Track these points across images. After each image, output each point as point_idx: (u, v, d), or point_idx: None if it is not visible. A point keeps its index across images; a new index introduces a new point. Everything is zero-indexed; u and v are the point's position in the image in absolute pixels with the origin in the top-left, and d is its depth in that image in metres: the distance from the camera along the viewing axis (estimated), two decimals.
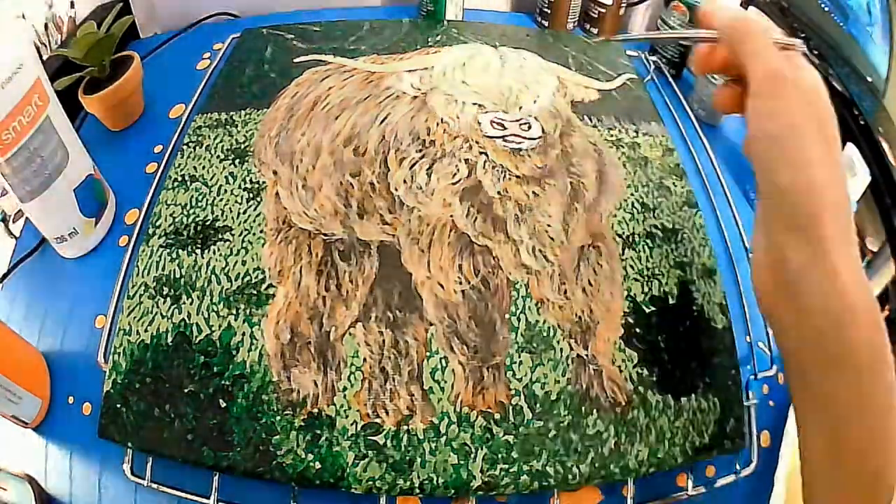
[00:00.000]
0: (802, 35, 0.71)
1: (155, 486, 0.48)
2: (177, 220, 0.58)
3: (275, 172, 0.61)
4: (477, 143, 0.60)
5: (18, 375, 0.50)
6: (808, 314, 0.36)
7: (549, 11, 0.85)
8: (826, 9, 0.71)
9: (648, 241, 0.59)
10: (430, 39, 0.77)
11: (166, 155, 0.65)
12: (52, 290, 0.57)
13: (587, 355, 0.52)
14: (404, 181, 0.59)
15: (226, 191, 0.60)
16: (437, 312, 0.53)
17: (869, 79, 0.65)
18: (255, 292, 0.54)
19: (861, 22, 0.66)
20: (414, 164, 0.59)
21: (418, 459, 0.47)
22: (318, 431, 0.48)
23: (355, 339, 0.52)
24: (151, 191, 0.62)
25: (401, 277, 0.55)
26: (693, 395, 0.51)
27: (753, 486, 0.52)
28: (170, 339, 0.51)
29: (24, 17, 0.67)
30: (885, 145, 0.60)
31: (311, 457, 0.47)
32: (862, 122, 0.62)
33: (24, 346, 0.53)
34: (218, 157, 0.63)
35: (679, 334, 0.54)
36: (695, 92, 0.76)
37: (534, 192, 0.59)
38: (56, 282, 0.58)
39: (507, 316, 0.54)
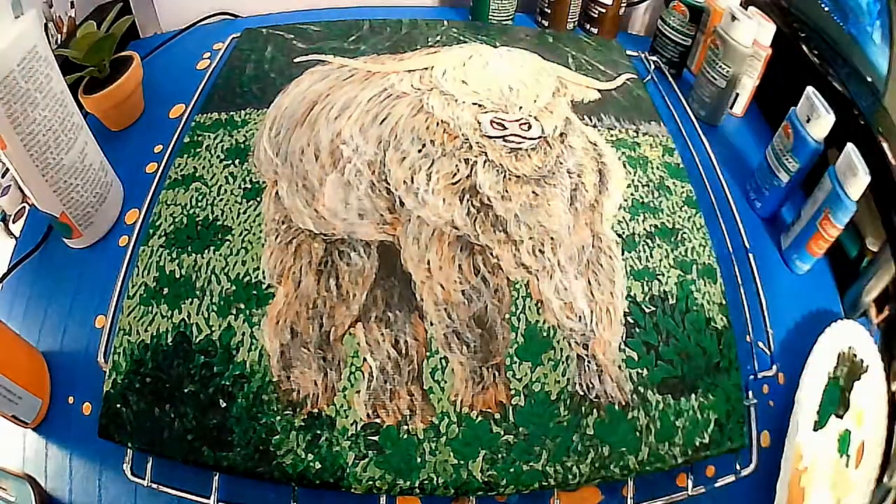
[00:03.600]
0: (803, 35, 0.71)
1: (155, 486, 0.48)
2: (177, 220, 0.58)
3: (275, 172, 0.61)
4: (477, 143, 0.60)
5: (18, 375, 0.50)
6: None
7: (549, 11, 0.85)
8: (826, 9, 0.71)
9: (648, 241, 0.59)
10: (430, 39, 0.77)
11: (166, 155, 0.65)
12: (52, 290, 0.57)
13: (587, 355, 0.52)
14: (404, 181, 0.59)
15: (226, 191, 0.60)
16: (437, 312, 0.53)
17: (869, 79, 0.65)
18: (255, 292, 0.54)
19: (861, 22, 0.66)
20: (414, 164, 0.59)
21: (418, 459, 0.47)
22: (318, 431, 0.48)
23: (355, 339, 0.52)
24: (151, 191, 0.62)
25: (401, 277, 0.55)
26: (693, 395, 0.51)
27: (753, 486, 0.52)
28: (170, 340, 0.51)
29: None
30: (885, 145, 0.60)
31: (311, 457, 0.47)
32: (862, 122, 0.62)
33: (24, 346, 0.53)
34: (218, 157, 0.63)
35: (679, 335, 0.54)
36: (694, 91, 0.76)
37: (534, 192, 0.58)
38: (56, 282, 0.58)
39: (507, 316, 0.54)
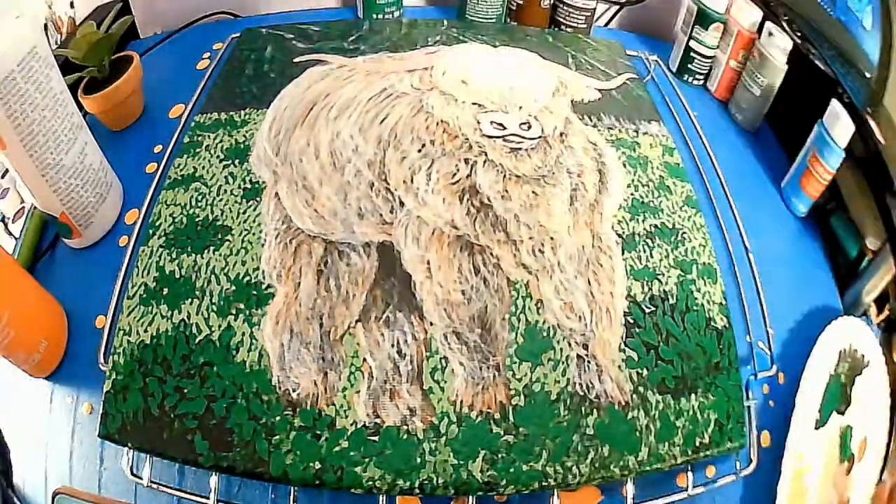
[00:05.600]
0: (786, 18, 0.71)
1: (154, 485, 0.48)
2: (177, 220, 0.58)
3: (274, 172, 0.61)
4: (477, 142, 0.60)
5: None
6: None
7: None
8: None
9: (648, 241, 0.59)
10: (430, 39, 0.77)
11: (166, 155, 0.65)
12: (53, 290, 0.57)
13: (587, 355, 0.52)
14: (404, 181, 0.59)
15: (225, 191, 0.60)
16: (436, 312, 0.53)
17: (859, 65, 0.65)
18: (254, 292, 0.54)
19: (850, 9, 0.66)
20: (414, 164, 0.59)
21: (418, 459, 0.47)
22: (318, 431, 0.48)
23: (355, 339, 0.52)
24: (151, 191, 0.62)
25: (401, 277, 0.55)
26: (693, 395, 0.51)
27: (753, 486, 0.52)
28: (170, 340, 0.51)
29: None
30: (876, 133, 0.60)
31: (311, 457, 0.47)
32: (855, 113, 0.62)
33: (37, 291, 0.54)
34: (218, 157, 0.63)
35: (679, 335, 0.54)
36: (734, 98, 0.77)
37: (534, 192, 0.58)
38: (56, 282, 0.58)
39: (507, 316, 0.54)
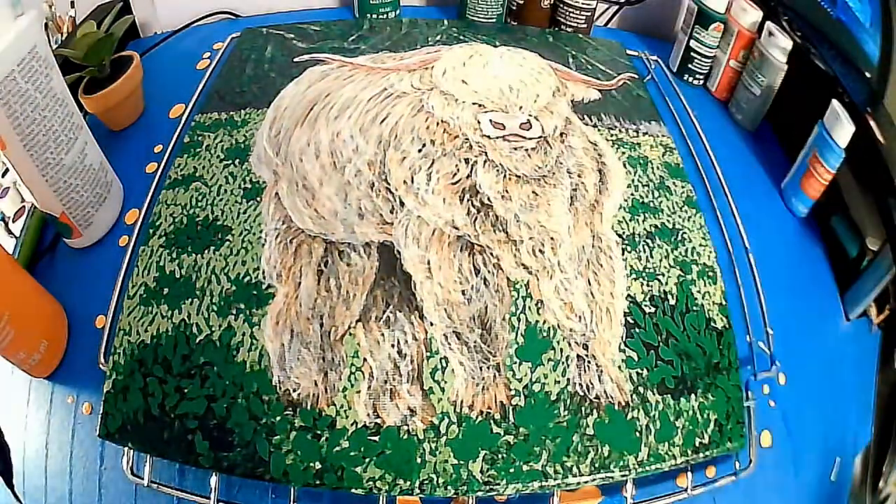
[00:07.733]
0: (786, 18, 0.71)
1: (155, 486, 0.48)
2: (177, 220, 0.58)
3: (274, 172, 0.61)
4: (477, 142, 0.60)
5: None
6: None
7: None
8: None
9: (648, 241, 0.59)
10: (430, 39, 0.77)
11: (166, 155, 0.65)
12: (53, 290, 0.57)
13: (587, 355, 0.52)
14: (404, 181, 0.58)
15: (226, 191, 0.60)
16: (437, 312, 0.53)
17: (860, 67, 0.65)
18: (255, 292, 0.54)
19: (850, 8, 0.66)
20: (414, 164, 0.59)
21: (418, 459, 0.47)
22: (319, 431, 0.48)
23: (355, 339, 0.52)
24: (151, 191, 0.62)
25: (401, 277, 0.55)
26: (693, 395, 0.51)
27: (753, 486, 0.52)
28: (170, 340, 0.51)
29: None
30: (876, 133, 0.60)
31: (311, 457, 0.47)
32: (854, 112, 0.62)
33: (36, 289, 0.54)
34: (218, 157, 0.63)
35: (679, 335, 0.54)
36: (734, 97, 0.77)
37: (534, 192, 0.58)
38: (56, 282, 0.58)
39: (507, 316, 0.54)
